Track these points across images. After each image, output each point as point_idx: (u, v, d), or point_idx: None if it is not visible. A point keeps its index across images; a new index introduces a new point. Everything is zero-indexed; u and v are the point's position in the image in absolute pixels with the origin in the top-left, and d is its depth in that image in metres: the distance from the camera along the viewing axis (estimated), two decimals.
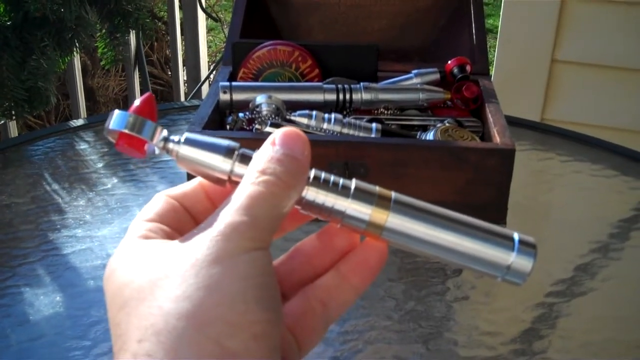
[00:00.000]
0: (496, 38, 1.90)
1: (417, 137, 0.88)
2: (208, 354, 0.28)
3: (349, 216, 0.34)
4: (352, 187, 0.34)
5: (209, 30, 3.82)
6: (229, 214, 0.31)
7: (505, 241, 0.34)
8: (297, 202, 0.34)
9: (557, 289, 0.78)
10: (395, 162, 0.82)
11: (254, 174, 0.33)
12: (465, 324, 0.74)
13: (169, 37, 2.42)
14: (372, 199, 0.34)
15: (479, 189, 0.82)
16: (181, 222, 0.35)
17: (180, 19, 2.29)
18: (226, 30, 2.27)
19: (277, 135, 0.34)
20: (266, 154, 0.33)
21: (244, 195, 0.32)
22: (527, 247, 0.34)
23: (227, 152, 0.34)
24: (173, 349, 0.28)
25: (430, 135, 0.86)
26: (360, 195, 0.34)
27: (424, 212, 0.35)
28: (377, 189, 0.35)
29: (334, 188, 0.34)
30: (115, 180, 0.98)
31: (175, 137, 0.35)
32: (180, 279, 0.30)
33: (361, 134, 0.85)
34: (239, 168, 0.34)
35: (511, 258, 0.34)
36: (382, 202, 0.34)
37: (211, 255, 0.30)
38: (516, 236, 0.34)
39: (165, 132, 0.35)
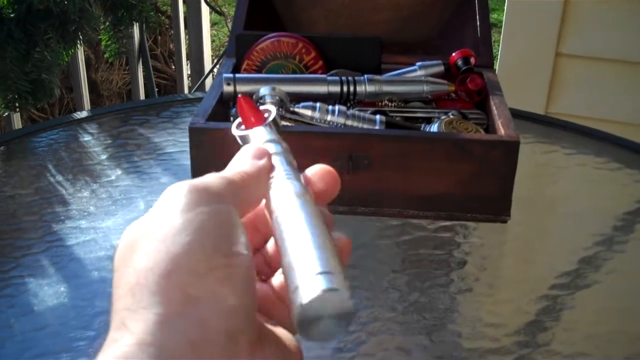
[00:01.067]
0: (500, 32, 1.90)
1: (421, 129, 0.88)
2: (174, 302, 0.30)
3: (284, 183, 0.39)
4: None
5: (213, 24, 3.82)
6: (213, 176, 0.36)
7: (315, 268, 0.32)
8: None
9: (561, 281, 0.78)
10: (399, 154, 0.82)
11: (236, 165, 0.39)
12: (469, 315, 0.74)
13: (172, 31, 2.41)
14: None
15: (483, 181, 0.82)
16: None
17: (184, 12, 2.29)
18: (230, 24, 2.27)
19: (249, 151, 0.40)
20: (239, 163, 0.39)
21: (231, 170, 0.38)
22: (324, 282, 0.31)
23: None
24: (144, 300, 0.30)
25: (434, 128, 0.86)
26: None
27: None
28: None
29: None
30: (119, 172, 0.98)
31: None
32: (150, 237, 0.32)
33: (365, 126, 0.85)
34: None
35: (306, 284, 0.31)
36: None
37: (175, 211, 0.33)
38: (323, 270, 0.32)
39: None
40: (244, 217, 0.37)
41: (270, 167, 0.40)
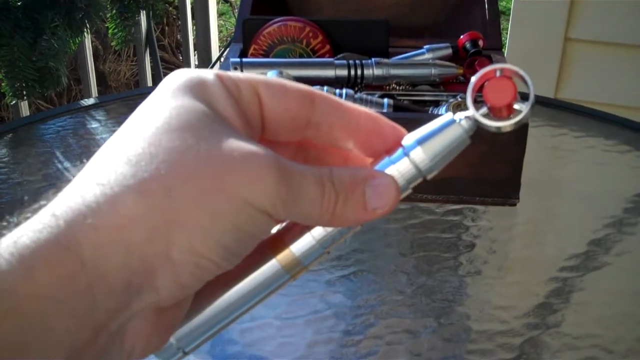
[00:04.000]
0: (508, 20, 1.89)
1: (429, 112, 0.88)
2: (152, 242, 0.29)
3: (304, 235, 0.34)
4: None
5: (220, 14, 3.82)
6: (287, 167, 0.31)
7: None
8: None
9: (570, 263, 0.78)
10: None
11: (341, 172, 0.32)
12: (478, 298, 0.74)
13: (179, 22, 2.41)
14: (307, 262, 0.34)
15: (492, 164, 0.81)
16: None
17: (191, 3, 2.29)
18: (237, 14, 2.27)
19: (382, 177, 0.33)
20: (354, 173, 0.33)
21: (318, 173, 0.32)
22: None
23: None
24: (130, 212, 0.28)
25: (442, 111, 0.86)
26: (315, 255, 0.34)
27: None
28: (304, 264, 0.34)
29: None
30: None
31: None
32: (187, 163, 0.29)
33: (373, 110, 0.85)
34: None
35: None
36: (296, 269, 0.34)
37: (226, 179, 0.30)
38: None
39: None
40: None
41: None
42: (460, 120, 0.34)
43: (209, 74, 0.33)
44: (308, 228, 0.34)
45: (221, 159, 0.29)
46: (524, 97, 0.33)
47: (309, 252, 0.34)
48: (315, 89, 0.34)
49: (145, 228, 0.28)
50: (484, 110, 0.33)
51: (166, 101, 0.31)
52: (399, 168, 0.33)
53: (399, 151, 0.34)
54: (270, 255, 0.34)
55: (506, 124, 0.34)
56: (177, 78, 0.32)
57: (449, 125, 0.34)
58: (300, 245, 0.34)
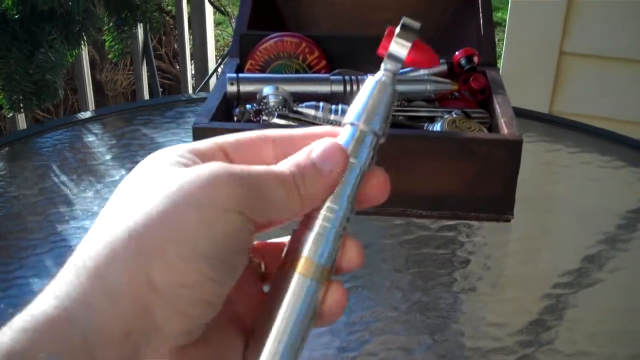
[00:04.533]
0: (504, 31, 1.89)
1: (424, 128, 0.88)
2: (133, 279, 0.29)
3: (308, 237, 0.35)
4: (339, 243, 0.35)
5: (217, 24, 3.82)
6: (236, 168, 0.32)
7: None
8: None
9: (564, 280, 0.78)
10: (403, 153, 0.82)
11: (289, 163, 0.34)
12: (472, 315, 0.74)
13: (176, 31, 2.42)
14: (323, 260, 0.34)
15: (486, 181, 0.82)
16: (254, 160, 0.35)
17: (188, 12, 2.29)
18: (234, 24, 2.28)
19: (318, 145, 0.34)
20: (302, 157, 0.34)
21: (263, 166, 0.33)
22: None
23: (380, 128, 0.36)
24: (104, 261, 0.30)
25: (437, 127, 0.86)
26: (329, 250, 0.35)
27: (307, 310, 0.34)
28: (328, 264, 0.34)
29: (336, 221, 0.35)
30: (123, 172, 0.98)
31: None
32: (147, 201, 0.31)
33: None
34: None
35: None
36: (318, 269, 0.34)
37: (182, 193, 0.31)
38: None
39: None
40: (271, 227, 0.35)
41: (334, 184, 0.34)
42: (381, 77, 0.38)
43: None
44: (307, 228, 0.34)
45: (179, 179, 0.31)
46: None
47: (322, 249, 0.34)
48: (267, 131, 0.37)
49: (120, 267, 0.29)
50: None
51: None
52: (343, 133, 0.36)
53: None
54: (292, 272, 0.34)
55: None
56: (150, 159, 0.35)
57: (374, 85, 0.38)
58: (310, 247, 0.34)
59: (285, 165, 0.34)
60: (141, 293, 0.29)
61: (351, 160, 0.35)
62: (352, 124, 0.36)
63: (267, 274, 0.38)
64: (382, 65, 0.38)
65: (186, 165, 0.33)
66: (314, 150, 0.34)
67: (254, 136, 0.36)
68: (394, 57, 0.38)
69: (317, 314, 0.34)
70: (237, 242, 0.31)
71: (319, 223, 0.34)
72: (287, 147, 0.36)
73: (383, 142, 0.37)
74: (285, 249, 0.35)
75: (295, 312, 0.33)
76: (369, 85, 0.37)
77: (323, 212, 0.34)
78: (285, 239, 0.37)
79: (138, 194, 0.32)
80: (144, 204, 0.31)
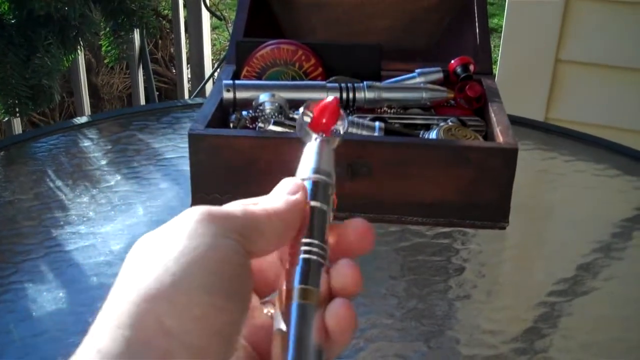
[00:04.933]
0: (500, 38, 1.90)
1: (420, 136, 0.88)
2: (146, 328, 0.30)
3: (293, 272, 0.37)
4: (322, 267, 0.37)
5: (213, 28, 3.82)
6: (231, 206, 0.36)
7: None
8: None
9: (559, 288, 0.78)
10: (399, 161, 0.82)
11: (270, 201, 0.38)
12: (467, 322, 0.74)
13: (173, 35, 2.42)
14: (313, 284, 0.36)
15: (481, 189, 0.82)
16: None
17: (185, 17, 2.30)
18: (230, 29, 2.28)
19: (278, 185, 0.39)
20: (266, 198, 0.38)
21: (248, 206, 0.37)
22: None
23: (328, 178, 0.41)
24: (119, 318, 0.31)
25: (433, 134, 0.86)
26: (313, 275, 0.37)
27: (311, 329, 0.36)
28: (314, 286, 0.36)
29: (311, 250, 0.38)
30: (118, 177, 0.98)
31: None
32: (150, 255, 0.33)
33: (364, 133, 0.86)
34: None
35: None
36: (307, 292, 0.36)
37: (180, 235, 0.33)
38: None
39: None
40: (261, 257, 0.37)
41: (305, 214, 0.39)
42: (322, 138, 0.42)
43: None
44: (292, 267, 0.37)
45: (172, 234, 0.34)
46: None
47: (302, 275, 0.36)
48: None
49: (134, 318, 0.31)
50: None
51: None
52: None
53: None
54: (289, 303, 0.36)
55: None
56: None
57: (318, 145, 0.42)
58: (294, 278, 0.36)
59: (261, 204, 0.37)
60: (156, 340, 0.30)
61: (312, 203, 0.39)
62: (305, 179, 0.40)
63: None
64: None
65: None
66: (276, 188, 0.39)
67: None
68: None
69: (322, 333, 0.35)
70: (233, 266, 0.33)
71: (301, 259, 0.37)
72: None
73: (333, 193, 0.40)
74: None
75: (295, 338, 0.35)
76: (313, 146, 0.41)
77: (301, 249, 0.37)
78: None
79: (143, 263, 0.33)
80: (149, 263, 0.33)
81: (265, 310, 0.39)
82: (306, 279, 0.36)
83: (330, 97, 0.43)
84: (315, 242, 0.38)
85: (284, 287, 0.37)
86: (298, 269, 0.37)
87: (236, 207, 0.36)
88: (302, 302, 0.35)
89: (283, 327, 0.35)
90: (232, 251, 0.33)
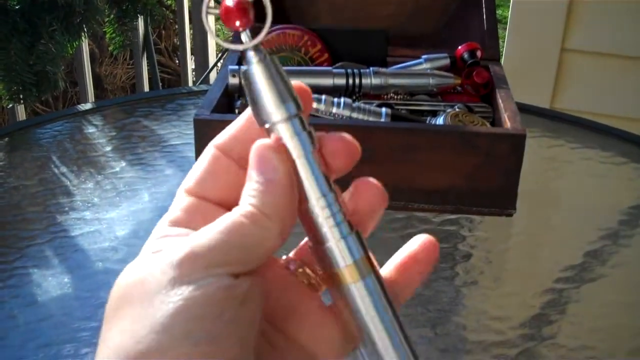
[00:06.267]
0: (505, 29, 1.89)
1: (427, 122, 0.88)
2: None
3: (330, 249, 0.32)
4: (355, 230, 0.33)
5: (217, 18, 3.82)
6: (206, 234, 0.30)
7: None
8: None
9: (566, 275, 0.78)
10: (405, 147, 0.81)
11: (243, 199, 0.32)
12: (474, 308, 0.74)
13: (177, 25, 2.41)
14: (359, 254, 0.33)
15: (489, 175, 0.82)
16: (225, 184, 0.33)
17: (189, 6, 2.29)
18: None
19: (251, 159, 0.32)
20: (248, 184, 0.32)
21: (229, 218, 0.31)
22: None
23: (290, 106, 0.31)
24: None
25: (440, 120, 0.86)
26: (354, 243, 0.33)
27: (384, 302, 0.33)
28: (362, 253, 0.33)
29: (339, 216, 0.32)
30: (123, 163, 0.98)
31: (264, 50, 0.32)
32: (129, 311, 0.30)
33: (371, 119, 0.85)
34: (283, 130, 0.32)
35: None
36: (364, 264, 0.33)
37: (160, 285, 0.29)
38: None
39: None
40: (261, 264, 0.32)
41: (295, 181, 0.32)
42: (251, 63, 0.32)
43: None
44: (318, 244, 0.33)
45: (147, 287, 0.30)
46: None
47: (347, 249, 0.32)
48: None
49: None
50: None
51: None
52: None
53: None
54: (343, 288, 0.33)
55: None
56: None
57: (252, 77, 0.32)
58: (337, 257, 0.32)
59: (245, 202, 0.31)
60: None
61: (294, 156, 0.32)
62: (268, 126, 0.32)
63: (315, 281, 0.35)
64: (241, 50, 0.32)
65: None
66: (252, 164, 0.32)
67: (210, 157, 0.34)
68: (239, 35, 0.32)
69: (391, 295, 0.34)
70: (220, 305, 0.30)
71: (323, 231, 0.32)
72: (240, 149, 0.34)
73: (310, 113, 0.34)
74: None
75: (377, 314, 0.33)
76: (251, 80, 0.32)
77: (318, 220, 0.32)
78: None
79: (122, 308, 0.30)
80: (125, 320, 0.30)
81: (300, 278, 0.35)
82: (346, 254, 0.32)
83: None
84: (328, 198, 0.32)
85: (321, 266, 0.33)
86: (331, 247, 0.32)
87: (213, 231, 0.30)
88: (357, 283, 0.32)
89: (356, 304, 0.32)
90: (214, 289, 0.29)
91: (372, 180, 0.35)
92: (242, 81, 0.32)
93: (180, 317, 0.29)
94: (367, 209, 0.35)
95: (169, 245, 0.31)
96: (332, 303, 0.34)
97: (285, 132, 0.32)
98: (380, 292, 0.33)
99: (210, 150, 0.34)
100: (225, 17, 0.32)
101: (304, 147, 0.32)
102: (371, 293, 0.33)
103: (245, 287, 0.30)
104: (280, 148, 0.31)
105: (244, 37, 0.32)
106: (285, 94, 0.31)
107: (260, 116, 0.32)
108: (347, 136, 0.34)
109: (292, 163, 0.32)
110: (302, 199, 0.32)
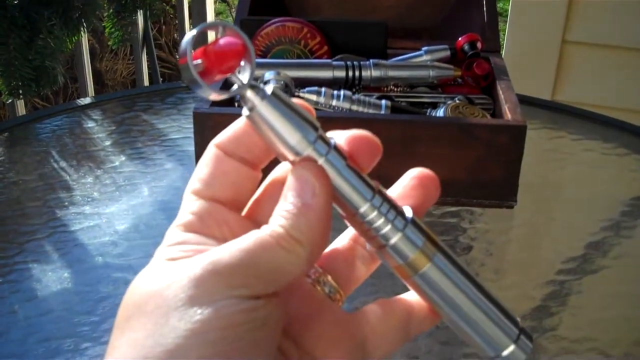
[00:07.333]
0: (505, 22, 1.89)
1: (427, 114, 0.88)
2: None
3: (393, 247, 0.32)
4: (409, 217, 0.32)
5: (217, 14, 3.81)
6: (229, 250, 0.29)
7: (512, 328, 0.34)
8: (348, 214, 0.32)
9: (568, 266, 0.78)
10: (405, 139, 0.81)
11: (274, 219, 0.30)
12: None
13: (177, 21, 2.41)
14: (420, 240, 0.32)
15: (489, 167, 0.81)
16: (236, 184, 0.33)
17: (189, 2, 2.28)
18: (234, 14, 2.26)
19: (290, 179, 0.31)
20: (282, 204, 0.31)
21: (255, 236, 0.29)
22: (527, 341, 0.34)
23: (309, 132, 0.30)
24: None
25: (440, 112, 0.85)
26: (413, 232, 0.32)
27: (459, 273, 0.33)
28: (426, 233, 0.33)
29: (390, 213, 0.32)
30: (123, 158, 0.97)
31: (261, 85, 0.30)
32: (143, 323, 0.29)
33: (371, 111, 0.85)
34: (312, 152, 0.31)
35: (511, 348, 0.34)
36: (428, 247, 0.32)
37: (179, 301, 0.28)
38: (520, 326, 0.34)
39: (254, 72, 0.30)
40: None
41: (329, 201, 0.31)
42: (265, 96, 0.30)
43: None
44: (377, 247, 0.33)
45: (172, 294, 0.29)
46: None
47: (410, 240, 0.32)
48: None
49: None
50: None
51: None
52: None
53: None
54: (412, 273, 0.33)
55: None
56: None
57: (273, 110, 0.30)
58: (402, 250, 0.32)
59: (276, 222, 0.30)
60: None
61: (332, 176, 0.31)
62: (294, 158, 0.31)
63: (336, 291, 0.35)
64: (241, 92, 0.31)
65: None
66: (289, 186, 0.31)
67: (216, 158, 0.33)
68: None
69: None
70: (240, 327, 0.28)
71: (382, 234, 0.32)
72: (246, 148, 0.33)
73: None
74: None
75: (458, 289, 0.33)
76: (263, 120, 0.30)
77: (373, 225, 0.32)
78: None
79: (137, 319, 0.29)
80: (139, 333, 0.28)
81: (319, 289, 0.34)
82: (410, 245, 0.32)
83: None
84: (376, 201, 0.31)
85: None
86: (394, 244, 0.32)
87: (236, 247, 0.29)
88: (428, 267, 0.32)
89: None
90: (233, 312, 0.28)
91: (367, 134, 0.34)
92: (251, 124, 0.31)
93: (196, 340, 0.27)
94: (365, 161, 0.33)
95: (187, 255, 0.30)
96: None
97: (315, 158, 0.31)
98: (452, 267, 0.33)
99: (211, 150, 0.33)
100: (216, 63, 0.30)
101: (337, 163, 0.31)
102: (445, 271, 0.33)
103: (267, 309, 0.29)
104: (321, 173, 0.31)
105: (236, 78, 0.30)
106: (300, 121, 0.30)
107: (283, 151, 0.31)
108: (369, 135, 0.34)
109: (331, 184, 0.31)
110: (351, 211, 0.32)
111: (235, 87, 0.30)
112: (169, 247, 0.31)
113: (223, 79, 0.30)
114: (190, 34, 0.30)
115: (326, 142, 0.31)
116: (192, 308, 0.28)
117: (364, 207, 0.31)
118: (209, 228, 0.31)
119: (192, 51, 0.30)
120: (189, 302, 0.28)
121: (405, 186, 0.35)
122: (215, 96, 0.30)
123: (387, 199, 0.32)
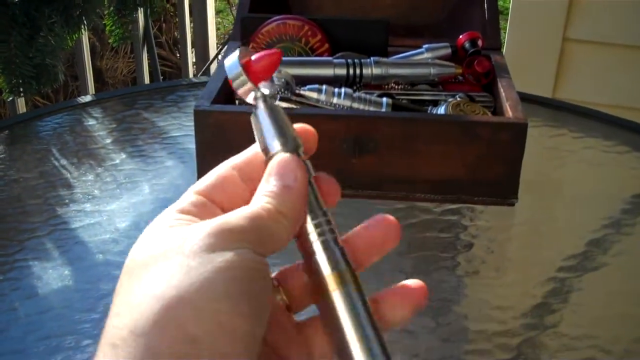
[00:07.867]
0: (506, 20, 1.88)
1: (428, 112, 0.87)
2: (169, 335, 0.30)
3: (316, 261, 0.36)
4: (339, 245, 0.36)
5: (218, 12, 3.81)
6: (235, 215, 0.34)
7: None
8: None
9: (568, 264, 0.78)
10: (406, 136, 0.81)
11: (258, 198, 0.36)
12: (476, 298, 0.74)
13: (177, 19, 2.41)
14: (338, 265, 0.36)
15: (490, 164, 0.81)
16: (231, 194, 0.37)
17: (189, 0, 2.28)
18: (235, 12, 2.26)
19: (271, 167, 0.36)
20: (264, 186, 0.36)
21: (251, 209, 0.35)
22: None
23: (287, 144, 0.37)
24: (140, 328, 0.30)
25: (441, 110, 0.85)
26: (340, 255, 0.36)
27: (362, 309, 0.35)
28: (343, 266, 0.36)
29: (326, 232, 0.36)
30: (123, 155, 0.97)
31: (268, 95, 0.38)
32: (166, 265, 0.32)
33: (371, 109, 0.85)
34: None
35: None
36: (341, 275, 0.36)
37: (200, 247, 0.32)
38: None
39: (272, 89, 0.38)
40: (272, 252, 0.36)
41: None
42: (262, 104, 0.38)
43: None
44: (309, 255, 0.36)
45: (191, 240, 0.33)
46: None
47: (334, 259, 0.36)
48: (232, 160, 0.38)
49: (153, 325, 0.30)
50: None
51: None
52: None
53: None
54: (327, 296, 0.35)
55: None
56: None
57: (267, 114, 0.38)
58: (325, 264, 0.36)
59: (262, 200, 0.35)
60: (182, 348, 0.30)
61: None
62: (275, 154, 0.37)
63: (290, 302, 0.39)
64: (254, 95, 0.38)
65: (189, 222, 0.35)
66: (272, 171, 0.36)
67: (224, 172, 0.38)
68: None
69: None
70: (251, 272, 0.33)
71: (316, 245, 0.36)
72: (249, 172, 0.38)
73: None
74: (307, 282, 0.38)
75: (354, 322, 0.35)
76: (265, 116, 0.38)
77: (311, 233, 0.36)
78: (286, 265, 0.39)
79: (156, 264, 0.33)
80: (163, 272, 0.32)
81: (278, 298, 0.38)
82: (335, 264, 0.35)
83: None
84: (322, 219, 0.36)
85: (311, 280, 0.36)
86: (320, 257, 0.36)
87: (240, 215, 0.34)
88: (340, 290, 0.35)
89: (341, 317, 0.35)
90: (248, 259, 0.33)
91: (389, 217, 0.39)
92: (254, 123, 0.38)
93: (222, 276, 0.31)
94: (378, 242, 0.39)
95: (193, 222, 0.34)
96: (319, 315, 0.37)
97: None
98: (360, 301, 0.35)
99: (225, 166, 0.38)
100: (259, 70, 0.37)
101: (308, 171, 0.37)
102: (351, 300, 0.35)
103: (266, 268, 0.34)
104: (302, 165, 0.36)
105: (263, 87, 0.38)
106: (291, 132, 0.37)
107: (269, 147, 0.37)
108: (332, 179, 0.38)
109: (307, 174, 0.37)
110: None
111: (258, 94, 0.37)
112: (168, 219, 0.35)
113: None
114: (234, 55, 0.37)
115: (305, 163, 0.37)
116: (213, 252, 0.32)
117: (312, 215, 0.36)
118: (204, 217, 0.35)
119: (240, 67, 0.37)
120: (210, 248, 0.32)
121: (365, 227, 0.38)
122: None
123: (331, 222, 0.37)
